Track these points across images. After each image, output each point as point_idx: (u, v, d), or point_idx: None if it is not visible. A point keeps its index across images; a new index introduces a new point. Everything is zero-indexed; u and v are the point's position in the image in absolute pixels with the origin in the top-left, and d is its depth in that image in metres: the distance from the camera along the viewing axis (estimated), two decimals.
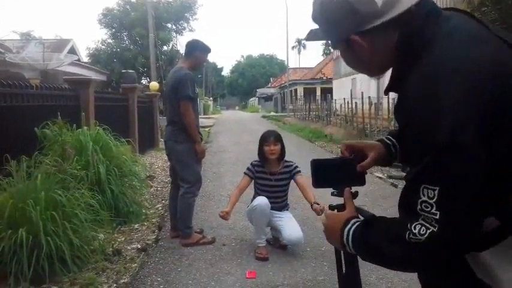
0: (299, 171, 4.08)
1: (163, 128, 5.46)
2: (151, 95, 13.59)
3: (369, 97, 14.10)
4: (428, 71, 0.96)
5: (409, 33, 1.03)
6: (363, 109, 14.53)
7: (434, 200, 0.92)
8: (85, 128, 5.08)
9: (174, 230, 4.41)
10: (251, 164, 4.16)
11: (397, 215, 1.05)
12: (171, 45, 28.74)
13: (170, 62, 26.57)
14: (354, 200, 1.23)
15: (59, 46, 19.84)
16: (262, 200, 3.90)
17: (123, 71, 15.28)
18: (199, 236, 4.27)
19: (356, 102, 15.76)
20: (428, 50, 0.99)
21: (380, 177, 7.73)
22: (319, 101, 26.11)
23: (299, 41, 72.83)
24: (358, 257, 1.20)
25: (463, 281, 1.05)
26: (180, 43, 28.02)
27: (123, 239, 4.39)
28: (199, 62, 4.42)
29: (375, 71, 1.17)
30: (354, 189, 1.27)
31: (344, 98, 18.37)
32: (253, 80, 76.19)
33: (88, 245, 3.59)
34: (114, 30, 28.41)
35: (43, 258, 3.12)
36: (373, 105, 14.01)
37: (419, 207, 0.94)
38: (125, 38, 28.84)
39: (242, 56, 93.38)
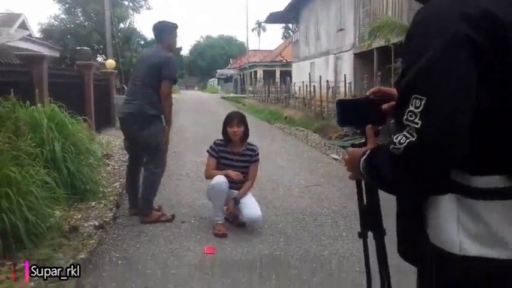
0: (257, 161, 4.23)
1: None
2: (107, 72, 13.26)
3: (327, 81, 14.38)
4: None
5: None
6: (320, 92, 14.79)
7: (419, 109, 0.92)
8: (39, 105, 4.94)
9: (132, 208, 4.41)
10: (214, 143, 4.20)
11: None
12: (128, 22, 27.94)
13: (127, 40, 25.86)
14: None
15: (9, 20, 18.85)
16: (220, 179, 3.97)
17: (78, 48, 14.80)
18: (158, 214, 4.29)
19: (314, 86, 16.01)
20: None
21: (336, 159, 7.97)
22: (278, 83, 26.28)
23: (259, 24, 72.41)
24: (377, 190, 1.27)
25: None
26: (137, 21, 27.39)
27: (79, 216, 4.34)
28: (173, 42, 4.41)
29: None
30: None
31: (303, 81, 18.60)
32: (212, 60, 75.23)
33: (44, 222, 3.53)
34: (67, 5, 27.24)
35: None
36: (330, 89, 14.30)
37: (405, 117, 0.94)
38: (79, 14, 27.71)
39: (201, 37, 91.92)
